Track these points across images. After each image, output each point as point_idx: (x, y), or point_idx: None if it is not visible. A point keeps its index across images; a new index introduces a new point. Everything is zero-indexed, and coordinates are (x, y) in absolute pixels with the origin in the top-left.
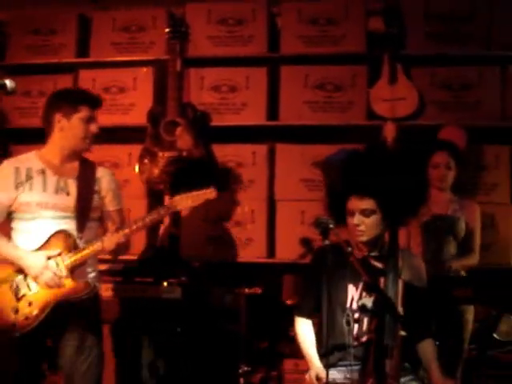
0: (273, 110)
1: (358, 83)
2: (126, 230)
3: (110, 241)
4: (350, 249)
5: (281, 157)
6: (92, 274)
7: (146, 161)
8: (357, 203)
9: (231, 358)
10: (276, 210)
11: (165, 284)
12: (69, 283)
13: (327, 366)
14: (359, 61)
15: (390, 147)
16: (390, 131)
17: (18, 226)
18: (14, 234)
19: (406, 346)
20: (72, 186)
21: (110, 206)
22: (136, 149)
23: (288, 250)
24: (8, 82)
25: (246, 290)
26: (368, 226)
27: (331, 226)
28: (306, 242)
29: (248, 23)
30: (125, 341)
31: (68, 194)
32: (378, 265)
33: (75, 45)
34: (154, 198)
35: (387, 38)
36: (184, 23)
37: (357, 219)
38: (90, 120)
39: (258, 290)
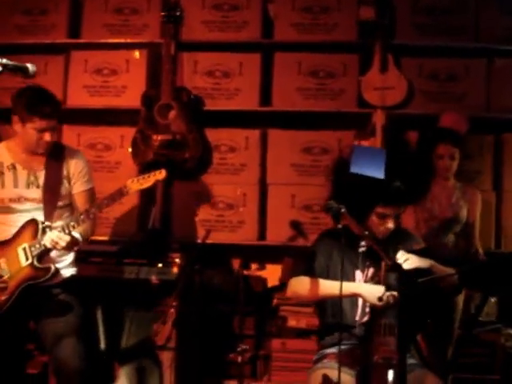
0: (266, 96)
1: (350, 71)
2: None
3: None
4: (366, 232)
5: (273, 142)
6: (60, 261)
7: (139, 143)
8: (395, 210)
9: (223, 337)
10: (267, 193)
11: (159, 265)
12: (28, 270)
13: (333, 345)
14: (351, 49)
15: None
16: (379, 119)
17: None
18: None
19: None
20: (41, 178)
21: (74, 189)
22: (128, 131)
23: (278, 233)
24: (30, 66)
25: (244, 272)
26: (395, 225)
27: (343, 210)
28: (295, 225)
29: (243, 9)
30: (117, 322)
31: (38, 186)
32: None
33: (67, 25)
34: None
35: (378, 28)
36: (179, 7)
37: (392, 224)
38: (43, 130)
39: (256, 272)
